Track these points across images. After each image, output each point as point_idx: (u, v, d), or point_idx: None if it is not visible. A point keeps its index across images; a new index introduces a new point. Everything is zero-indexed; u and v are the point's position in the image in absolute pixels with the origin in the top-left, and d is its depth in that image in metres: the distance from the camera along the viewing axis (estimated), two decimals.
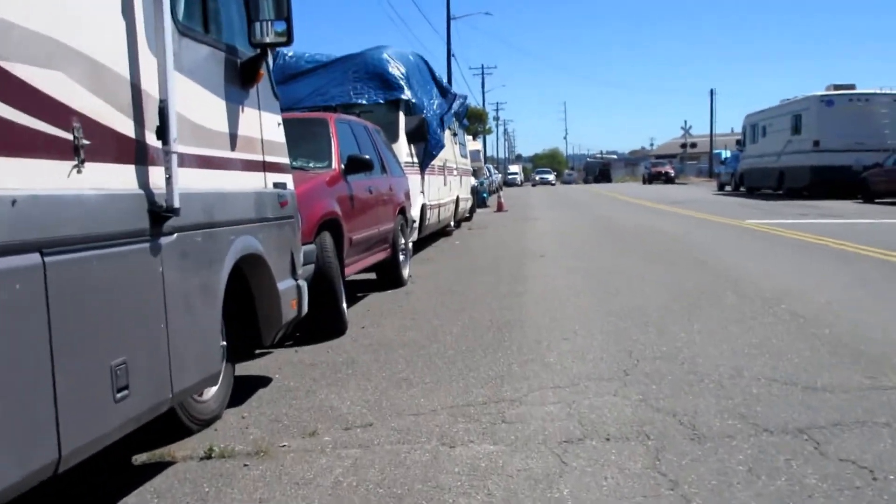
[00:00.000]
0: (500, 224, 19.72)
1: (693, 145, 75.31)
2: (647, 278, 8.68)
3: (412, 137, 11.86)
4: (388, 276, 9.18)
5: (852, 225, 15.10)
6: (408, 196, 10.08)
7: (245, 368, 5.38)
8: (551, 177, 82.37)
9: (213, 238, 3.78)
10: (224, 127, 4.09)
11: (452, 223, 17.43)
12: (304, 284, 5.21)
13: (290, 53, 12.35)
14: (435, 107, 13.23)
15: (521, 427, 3.93)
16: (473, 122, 47.87)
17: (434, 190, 13.68)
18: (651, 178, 64.15)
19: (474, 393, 4.60)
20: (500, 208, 26.64)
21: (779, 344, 5.41)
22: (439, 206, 14.20)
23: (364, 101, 11.59)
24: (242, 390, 4.86)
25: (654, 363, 5.05)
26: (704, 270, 9.14)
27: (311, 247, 6.17)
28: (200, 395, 4.17)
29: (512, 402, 4.38)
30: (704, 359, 5.09)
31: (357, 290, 8.93)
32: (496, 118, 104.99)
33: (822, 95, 27.92)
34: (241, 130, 4.29)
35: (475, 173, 25.42)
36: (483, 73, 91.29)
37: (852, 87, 28.33)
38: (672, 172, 65.19)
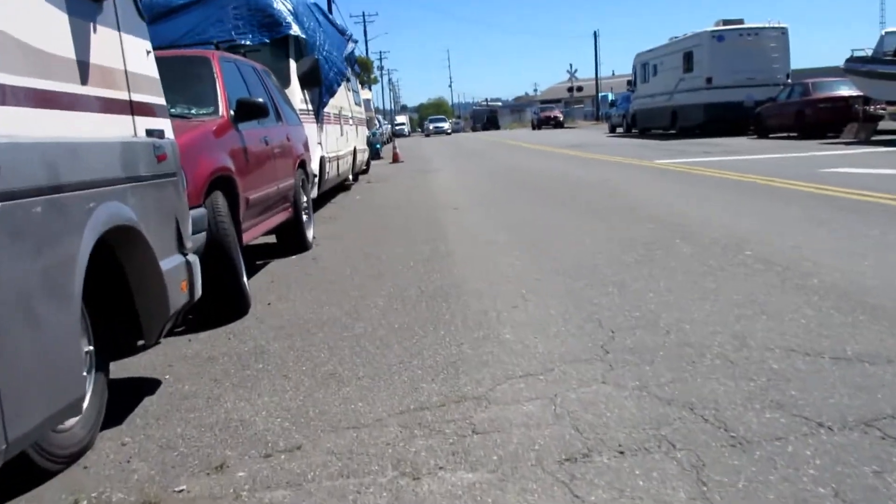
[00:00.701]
0: (400, 176, 18.66)
1: (579, 89, 75.67)
2: (582, 229, 7.86)
3: (305, 82, 10.62)
4: (291, 240, 8.05)
5: (765, 160, 14.74)
6: (307, 147, 8.91)
7: (124, 367, 4.25)
8: (446, 125, 73.87)
9: (60, 207, 2.65)
10: (68, 51, 2.91)
11: (351, 177, 16.28)
12: (195, 260, 4.09)
13: None
14: (329, 46, 11.98)
15: (501, 440, 2.98)
16: (361, 70, 46.17)
17: (332, 140, 12.50)
18: (540, 124, 64.10)
19: (425, 390, 3.61)
20: (395, 159, 25.53)
21: (769, 300, 4.63)
22: (338, 158, 13.03)
23: (248, 42, 10.24)
24: (122, 401, 3.74)
25: (633, 334, 4.18)
26: (640, 217, 8.38)
27: (201, 211, 5.03)
28: None
29: (477, 400, 3.41)
30: (692, 325, 4.25)
31: (256, 257, 7.78)
32: (380, 67, 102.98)
33: (712, 31, 27.80)
34: (95, 57, 3.11)
35: (367, 123, 24.19)
36: (364, 21, 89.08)
37: (741, 21, 28.32)
38: (561, 117, 65.35)
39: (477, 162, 22.42)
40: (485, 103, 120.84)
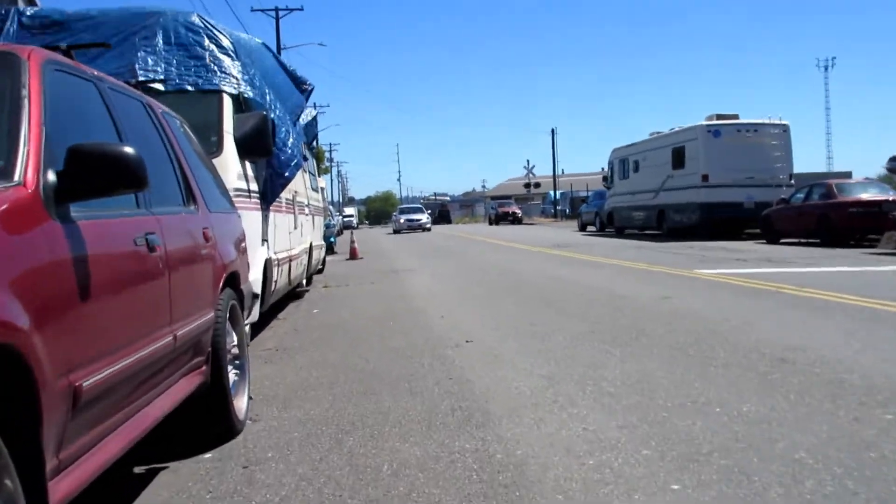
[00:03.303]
0: (363, 278, 15.00)
1: (537, 185, 73.34)
2: (789, 424, 4.30)
3: (248, 148, 7.06)
4: (204, 420, 4.34)
5: (842, 275, 11.52)
6: (242, 249, 5.29)
7: None
8: (424, 217, 50.82)
9: None
10: None
11: (304, 280, 12.60)
12: None
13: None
14: (286, 109, 8.49)
15: None
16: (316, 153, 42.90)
17: (283, 236, 8.88)
18: (498, 219, 61.32)
19: None
20: (353, 256, 21.94)
21: None
22: (290, 259, 9.40)
23: (160, 86, 6.72)
24: None
25: None
26: (821, 383, 4.90)
27: None
28: None
29: None
30: None
31: (133, 459, 4.04)
32: (330, 159, 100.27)
33: (708, 125, 25.13)
34: None
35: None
36: (317, 112, 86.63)
37: (736, 116, 25.75)
38: (519, 213, 62.72)
39: (454, 261, 18.86)
40: (433, 198, 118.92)
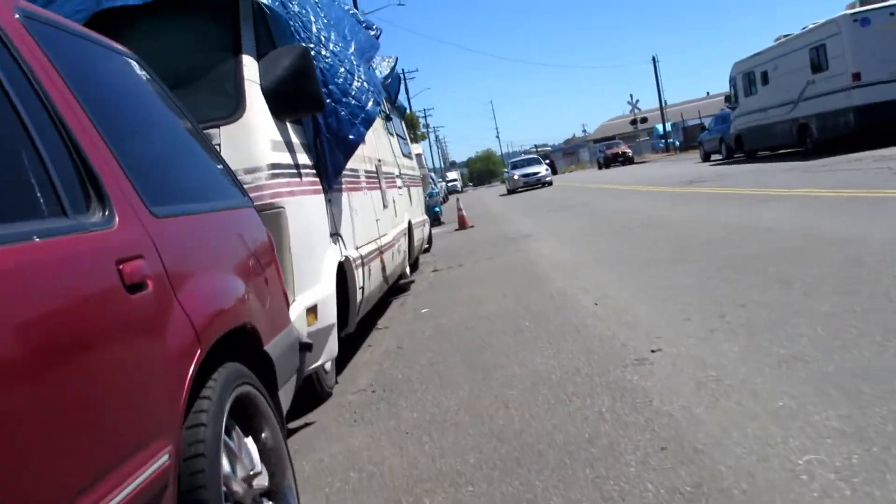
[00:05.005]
0: (478, 252, 12.54)
1: (643, 120, 69.04)
2: None
3: (285, 101, 4.65)
4: None
5: None
6: (262, 272, 2.89)
7: None
8: (542, 170, 40.42)
9: None
10: None
11: (408, 268, 10.26)
12: None
13: None
14: (348, 45, 6.05)
15: None
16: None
17: (366, 221, 6.52)
18: (608, 162, 57.62)
19: None
20: (462, 224, 19.53)
21: None
22: (381, 252, 7.03)
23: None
24: None
25: None
26: None
27: None
28: None
29: None
30: None
31: None
32: (426, 125, 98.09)
33: (853, 13, 21.33)
34: None
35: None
36: (405, 77, 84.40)
37: None
38: (630, 152, 58.72)
39: (578, 218, 16.14)
40: (534, 149, 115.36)
